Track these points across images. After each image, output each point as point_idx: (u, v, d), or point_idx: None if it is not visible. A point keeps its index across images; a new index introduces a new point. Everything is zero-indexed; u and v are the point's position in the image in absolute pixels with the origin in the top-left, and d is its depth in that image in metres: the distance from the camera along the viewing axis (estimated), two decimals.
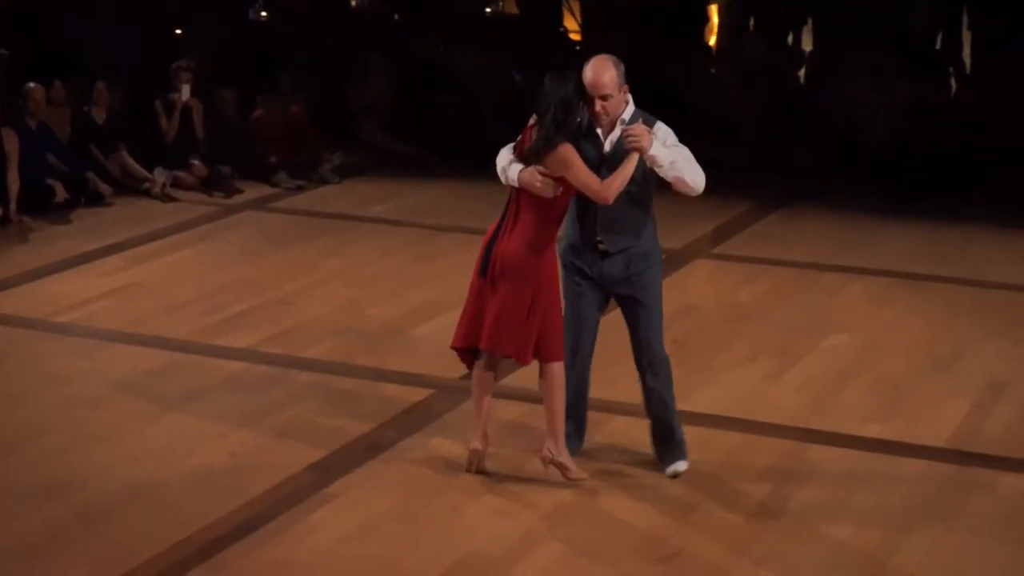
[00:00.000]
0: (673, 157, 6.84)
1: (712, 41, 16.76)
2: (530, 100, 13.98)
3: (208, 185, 13.14)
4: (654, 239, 7.13)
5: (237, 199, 12.93)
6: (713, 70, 15.85)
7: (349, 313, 9.71)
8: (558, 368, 7.02)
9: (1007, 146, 13.67)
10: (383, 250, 11.27)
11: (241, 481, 7.03)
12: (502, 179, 6.96)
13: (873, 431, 7.78)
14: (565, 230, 7.07)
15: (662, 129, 6.93)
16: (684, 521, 6.72)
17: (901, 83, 14.40)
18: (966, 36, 15.57)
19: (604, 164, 6.86)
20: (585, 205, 6.94)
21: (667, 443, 7.23)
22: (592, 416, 7.48)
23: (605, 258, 7.01)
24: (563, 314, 7.05)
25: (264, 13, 17.13)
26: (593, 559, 6.37)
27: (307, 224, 12.13)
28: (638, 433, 7.46)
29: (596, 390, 7.44)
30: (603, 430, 7.68)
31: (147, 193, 12.84)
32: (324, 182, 13.50)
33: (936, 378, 8.64)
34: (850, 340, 9.26)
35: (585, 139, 6.85)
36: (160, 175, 12.92)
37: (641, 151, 6.76)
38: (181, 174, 13.14)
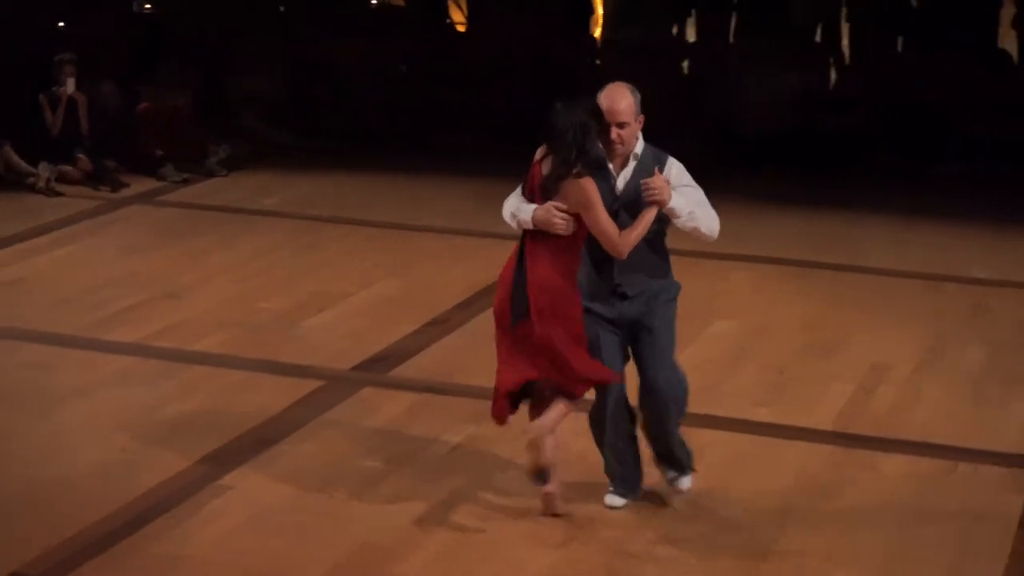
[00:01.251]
0: (691, 207, 6.61)
1: (597, 33, 16.86)
2: (415, 91, 13.97)
3: (93, 179, 13.01)
4: (671, 274, 6.91)
5: (123, 193, 12.83)
6: (598, 61, 15.98)
7: (238, 306, 9.69)
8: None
9: (885, 133, 13.93)
10: (271, 242, 11.26)
11: (133, 476, 7.00)
12: (512, 225, 6.59)
13: (761, 415, 7.92)
14: (578, 275, 6.64)
15: (675, 168, 6.66)
16: (577, 506, 6.80)
17: (783, 73, 14.59)
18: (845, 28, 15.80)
19: (617, 202, 6.54)
20: (599, 249, 6.58)
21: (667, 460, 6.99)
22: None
23: (624, 300, 6.72)
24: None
25: (148, 5, 16.98)
26: (486, 545, 6.43)
27: (194, 217, 12.08)
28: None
29: None
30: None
31: (32, 188, 12.71)
32: (211, 175, 13.44)
33: (820, 362, 8.80)
34: (736, 326, 9.40)
35: (596, 174, 6.48)
36: (45, 169, 12.78)
37: (662, 205, 6.51)
38: (66, 168, 13.00)
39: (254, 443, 7.45)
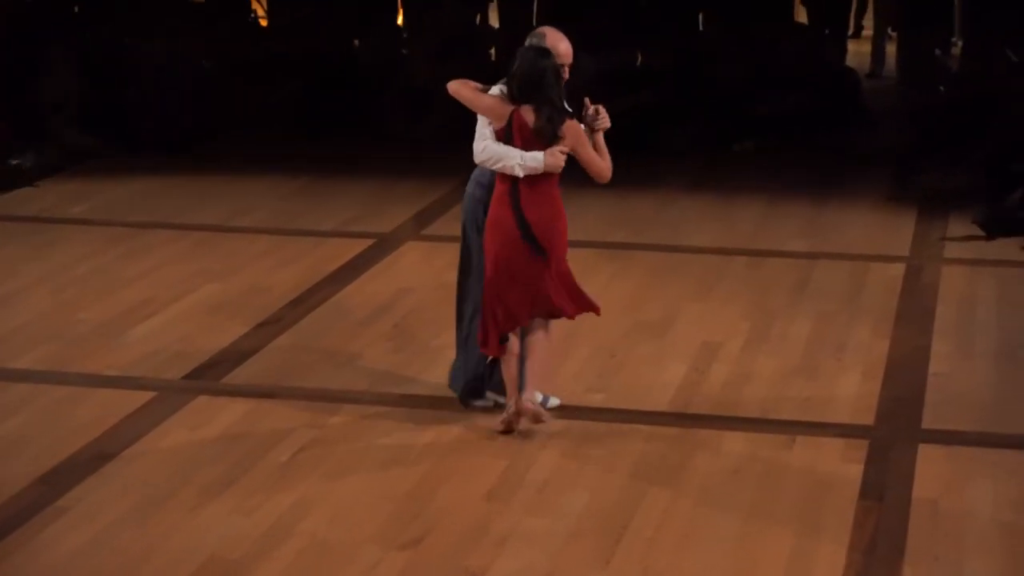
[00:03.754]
0: None
1: (399, 19, 16.79)
2: (220, 88, 13.60)
3: None
4: None
5: None
6: (405, 50, 15.93)
7: (57, 319, 9.42)
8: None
9: (693, 111, 14.09)
10: (87, 251, 10.96)
11: None
12: (515, 170, 7.13)
13: (597, 400, 7.95)
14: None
15: None
16: (425, 504, 6.77)
17: (584, 55, 14.64)
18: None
19: None
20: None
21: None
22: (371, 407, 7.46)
23: None
24: None
25: None
26: (336, 552, 6.36)
27: (1, 229, 11.70)
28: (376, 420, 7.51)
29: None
30: (350, 414, 7.68)
31: None
32: (17, 184, 13.04)
33: (650, 343, 8.86)
34: None
35: None
36: None
37: (606, 130, 7.25)
38: None
39: (89, 460, 7.26)
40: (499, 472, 7.07)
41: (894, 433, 7.54)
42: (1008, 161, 11.44)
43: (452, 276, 10.12)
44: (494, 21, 16.44)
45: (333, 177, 13.11)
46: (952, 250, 10.70)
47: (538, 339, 7.38)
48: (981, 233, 10.85)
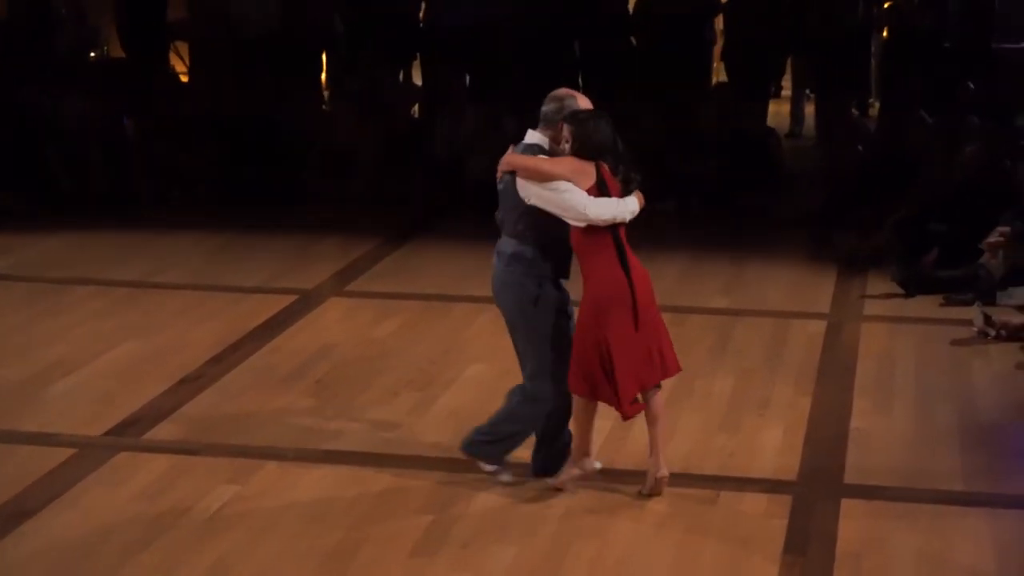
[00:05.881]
0: None
1: (323, 78, 16.81)
2: (140, 147, 13.46)
3: None
4: None
5: None
6: (325, 107, 15.95)
7: None
8: None
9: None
10: (5, 308, 10.84)
11: None
12: (627, 217, 7.23)
13: (515, 454, 7.87)
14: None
15: None
16: (349, 561, 6.73)
17: (508, 117, 14.73)
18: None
19: None
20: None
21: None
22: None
23: None
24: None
25: None
26: None
27: None
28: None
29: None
30: (273, 471, 7.63)
31: None
32: None
33: None
34: (488, 368, 9.40)
35: None
36: None
37: None
38: None
39: (7, 518, 7.16)
40: (424, 528, 7.05)
41: (816, 488, 7.58)
42: (925, 221, 11.59)
43: (374, 332, 10.20)
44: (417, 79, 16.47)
45: (255, 234, 13.06)
46: (872, 307, 10.80)
47: (660, 402, 7.47)
48: (900, 291, 10.97)
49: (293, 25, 15.62)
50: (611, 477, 7.66)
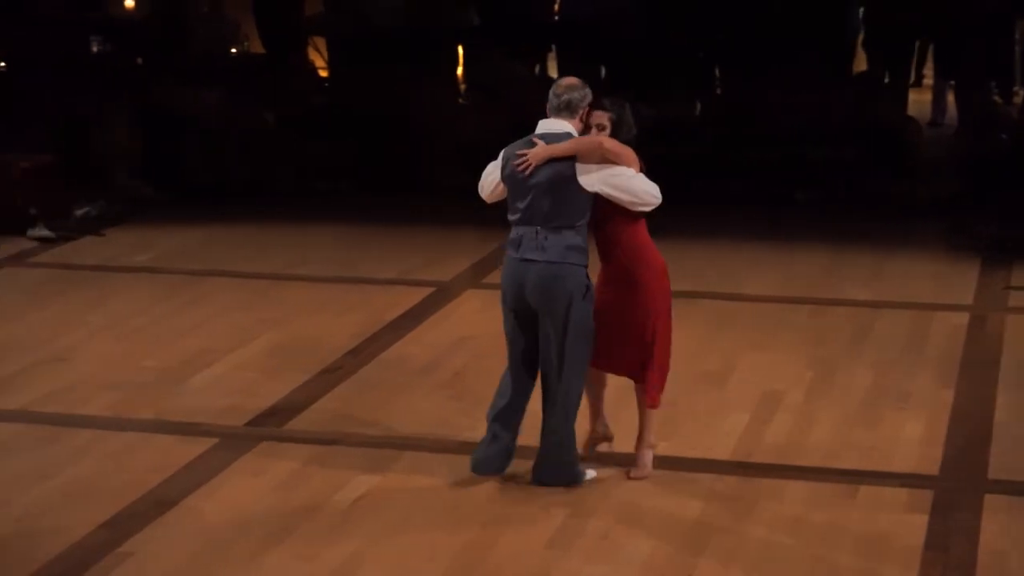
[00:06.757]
0: None
1: (459, 72, 16.89)
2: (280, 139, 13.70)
3: None
4: None
5: None
6: (462, 100, 16.02)
7: (122, 366, 9.48)
8: None
9: (738, 161, 14.10)
10: (149, 299, 11.04)
11: (30, 547, 6.80)
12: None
13: (661, 448, 7.87)
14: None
15: None
16: (486, 552, 6.74)
17: (642, 105, 14.68)
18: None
19: None
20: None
21: None
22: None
23: None
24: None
25: (2, 64, 16.68)
26: None
27: (67, 278, 11.78)
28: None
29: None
30: (410, 462, 7.68)
31: None
32: (82, 234, 13.16)
33: (712, 392, 8.82)
34: None
35: None
36: None
37: None
38: None
39: (152, 506, 7.28)
40: (560, 520, 7.04)
41: (959, 484, 7.46)
42: None
43: None
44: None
45: (391, 227, 13.16)
46: (1017, 299, 10.60)
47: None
48: None
49: (429, 18, 15.70)
50: (749, 471, 7.61)
